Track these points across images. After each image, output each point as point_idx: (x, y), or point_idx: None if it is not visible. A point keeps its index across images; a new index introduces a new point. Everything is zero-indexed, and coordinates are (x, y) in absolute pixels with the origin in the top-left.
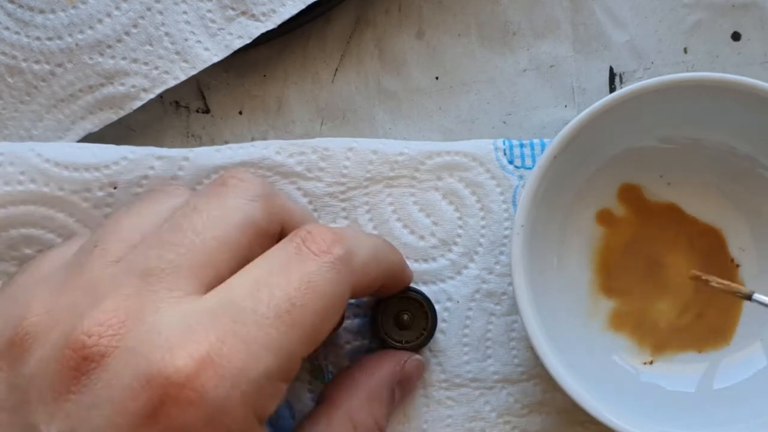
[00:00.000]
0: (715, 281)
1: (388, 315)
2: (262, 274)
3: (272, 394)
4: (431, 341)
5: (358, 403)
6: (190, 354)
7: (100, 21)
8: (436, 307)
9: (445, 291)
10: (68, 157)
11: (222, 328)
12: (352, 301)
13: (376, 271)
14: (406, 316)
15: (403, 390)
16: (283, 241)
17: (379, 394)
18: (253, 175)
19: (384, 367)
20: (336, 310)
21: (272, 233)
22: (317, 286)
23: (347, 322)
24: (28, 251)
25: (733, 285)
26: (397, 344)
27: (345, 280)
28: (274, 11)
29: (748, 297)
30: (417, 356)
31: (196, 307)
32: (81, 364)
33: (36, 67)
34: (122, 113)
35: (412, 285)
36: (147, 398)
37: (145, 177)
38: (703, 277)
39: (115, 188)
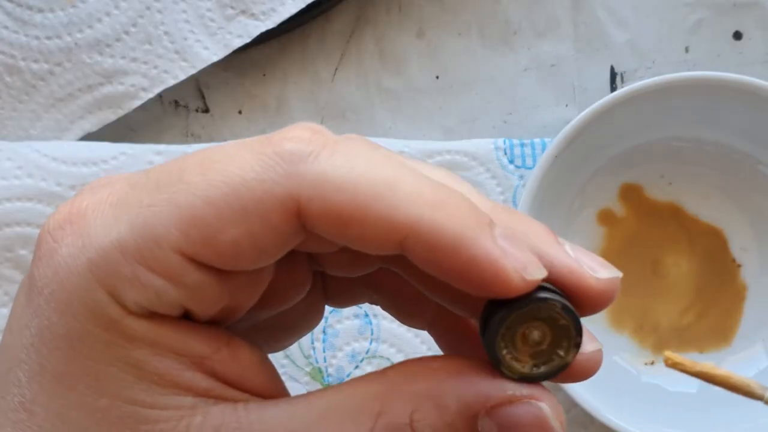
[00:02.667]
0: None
1: (500, 328)
2: (196, 152)
3: (129, 277)
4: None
5: (408, 388)
6: (71, 204)
7: (99, 20)
8: None
9: None
10: (66, 152)
11: (117, 187)
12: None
13: (358, 205)
14: (536, 333)
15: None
16: None
17: (444, 399)
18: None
19: (475, 378)
20: (245, 210)
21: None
22: (222, 170)
23: (347, 323)
24: (23, 252)
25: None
26: (508, 373)
27: (272, 178)
28: (273, 10)
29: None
30: (543, 402)
31: (132, 173)
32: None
33: (35, 66)
34: (121, 112)
35: (550, 286)
36: (33, 254)
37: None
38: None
39: None
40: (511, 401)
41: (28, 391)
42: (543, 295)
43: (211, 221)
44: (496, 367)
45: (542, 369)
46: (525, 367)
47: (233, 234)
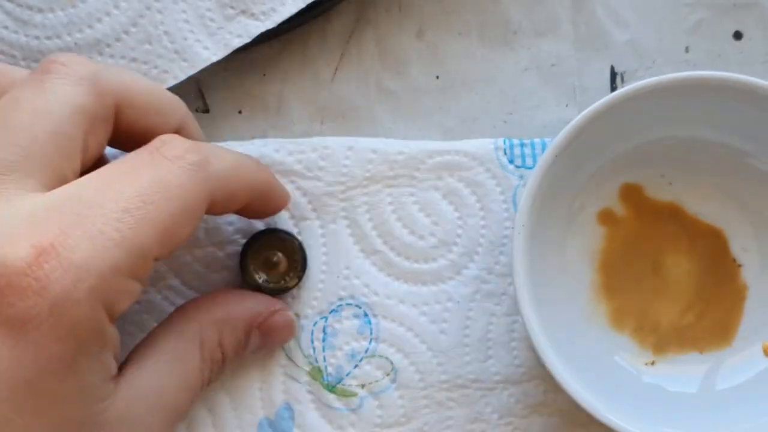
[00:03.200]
0: None
1: (257, 252)
2: (111, 174)
3: (122, 290)
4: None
5: (211, 320)
6: (32, 244)
7: (99, 20)
8: (437, 307)
9: (445, 291)
10: None
11: (67, 220)
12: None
13: (237, 184)
14: (275, 257)
15: (263, 339)
16: (136, 150)
17: (235, 323)
18: (79, 56)
19: (248, 303)
20: (190, 213)
21: (107, 117)
22: (169, 186)
23: (346, 323)
24: None
25: None
26: (258, 280)
27: (199, 184)
28: (273, 10)
29: None
30: (290, 312)
31: (40, 201)
32: None
33: (35, 66)
34: None
35: (289, 230)
36: None
37: None
38: None
39: None
40: (271, 314)
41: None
42: (280, 230)
43: (175, 229)
44: (252, 282)
45: (271, 285)
46: (260, 279)
47: (186, 233)
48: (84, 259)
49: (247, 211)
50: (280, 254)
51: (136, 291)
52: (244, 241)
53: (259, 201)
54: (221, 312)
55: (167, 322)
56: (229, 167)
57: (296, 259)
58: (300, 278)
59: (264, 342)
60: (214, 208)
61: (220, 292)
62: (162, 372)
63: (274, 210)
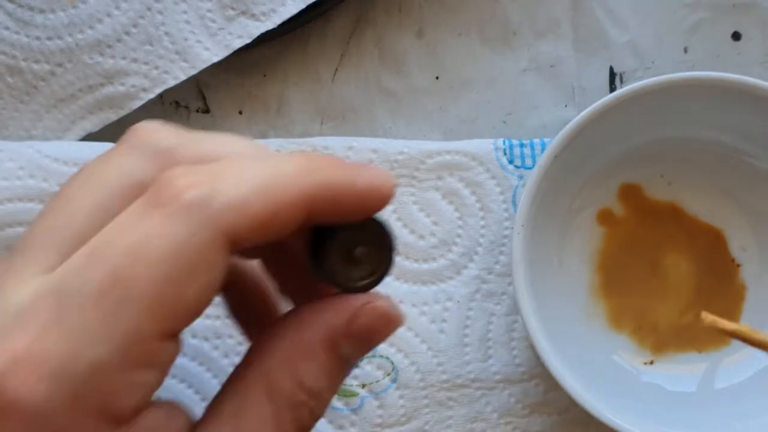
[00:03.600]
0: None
1: (336, 247)
2: (101, 243)
3: (118, 387)
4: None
5: (276, 363)
6: (4, 351)
7: (99, 21)
8: (437, 307)
9: (445, 291)
10: (68, 153)
11: (48, 316)
12: None
13: (270, 203)
14: (359, 250)
15: (359, 345)
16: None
17: (308, 350)
18: (164, 125)
19: (319, 317)
20: (193, 268)
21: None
22: (153, 248)
23: None
24: None
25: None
26: (346, 283)
27: (199, 229)
28: (274, 11)
29: None
30: (381, 301)
31: (38, 287)
32: None
33: (36, 66)
34: (122, 113)
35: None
36: None
37: None
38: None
39: None
40: (355, 317)
41: None
42: (373, 219)
43: (171, 295)
44: (331, 280)
45: (367, 280)
46: (353, 279)
47: (192, 293)
48: (61, 363)
49: (322, 219)
50: (365, 247)
51: (147, 380)
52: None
53: (330, 206)
54: (288, 344)
55: (228, 381)
56: (250, 189)
57: (383, 243)
58: (389, 265)
59: (363, 348)
60: (248, 241)
61: (281, 321)
62: None
63: (371, 205)
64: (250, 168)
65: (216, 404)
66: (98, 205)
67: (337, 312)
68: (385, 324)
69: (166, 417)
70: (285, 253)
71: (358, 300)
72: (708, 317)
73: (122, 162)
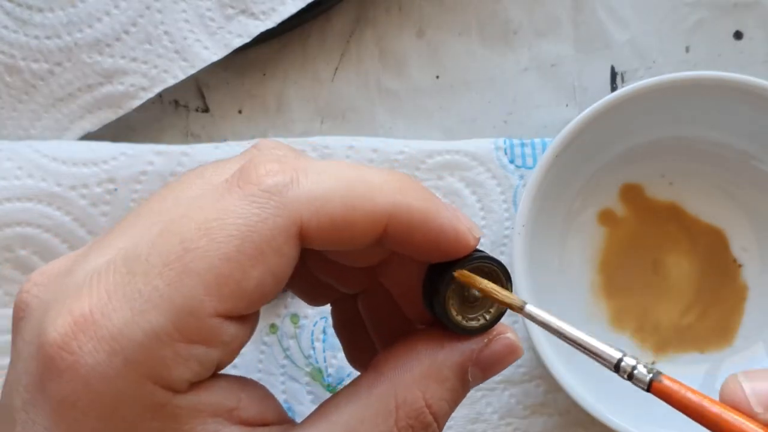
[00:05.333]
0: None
1: (449, 287)
2: (177, 216)
3: (173, 357)
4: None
5: (410, 377)
6: (71, 312)
7: (98, 20)
8: None
9: None
10: (66, 152)
11: (115, 280)
12: None
13: (346, 207)
14: (474, 292)
15: (484, 373)
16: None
17: (441, 372)
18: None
19: (455, 342)
20: (257, 251)
21: None
22: (224, 225)
23: None
24: (23, 252)
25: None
26: (467, 328)
27: (273, 213)
28: (273, 10)
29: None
30: (509, 333)
31: (114, 254)
32: (17, 311)
33: (34, 65)
34: (121, 112)
35: (481, 250)
36: (37, 363)
37: (144, 172)
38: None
39: (115, 189)
40: (487, 345)
41: None
42: (480, 254)
43: (236, 274)
44: (445, 322)
45: (482, 321)
46: (470, 322)
47: (256, 277)
48: (119, 328)
49: (397, 246)
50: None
51: (201, 355)
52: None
53: (407, 233)
54: (424, 362)
55: (354, 382)
56: (332, 187)
57: (500, 284)
58: (503, 311)
59: (485, 375)
60: (317, 240)
61: (420, 337)
62: None
63: (442, 249)
64: (337, 168)
65: (330, 406)
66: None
67: (469, 339)
68: (510, 354)
69: (260, 400)
70: (383, 292)
71: (488, 332)
72: (461, 275)
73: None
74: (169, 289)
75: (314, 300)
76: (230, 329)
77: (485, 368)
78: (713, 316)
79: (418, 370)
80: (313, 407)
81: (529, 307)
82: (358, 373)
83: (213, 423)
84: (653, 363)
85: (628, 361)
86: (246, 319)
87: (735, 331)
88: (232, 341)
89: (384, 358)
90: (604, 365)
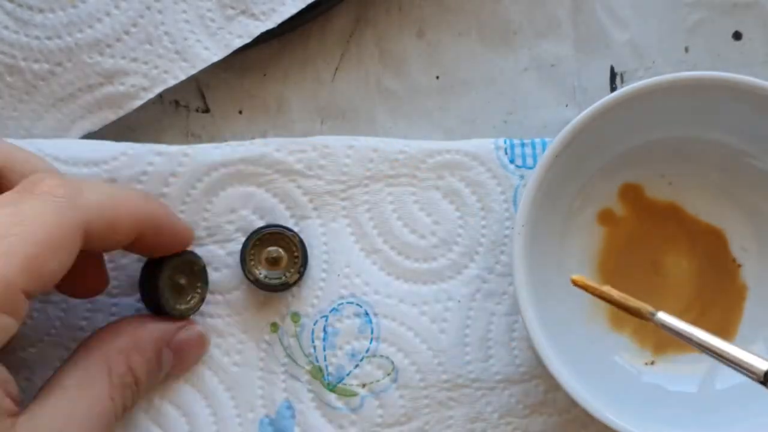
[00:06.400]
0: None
1: (258, 248)
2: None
3: None
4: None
5: (116, 349)
6: None
7: (99, 20)
8: (437, 306)
9: (446, 291)
10: (68, 152)
11: None
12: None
13: (117, 214)
14: (275, 253)
15: (176, 358)
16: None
17: (142, 346)
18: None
19: (154, 324)
20: (57, 243)
21: None
22: (30, 218)
23: (347, 322)
24: None
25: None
26: (259, 275)
27: (67, 213)
28: (273, 10)
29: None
30: (198, 327)
31: None
32: None
33: (35, 66)
34: (122, 112)
35: (193, 250)
36: None
37: (145, 173)
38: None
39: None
40: (177, 330)
41: None
42: (187, 252)
43: (41, 259)
44: (158, 305)
45: (190, 304)
46: (261, 275)
47: (54, 265)
48: None
49: (143, 245)
50: (280, 250)
51: (8, 325)
52: (244, 239)
53: (152, 234)
54: (127, 338)
55: (72, 357)
56: (106, 198)
57: (297, 254)
58: (301, 274)
59: (178, 360)
60: (95, 239)
61: (123, 320)
62: (66, 406)
63: (175, 245)
64: (102, 185)
65: (58, 378)
66: None
67: (166, 326)
68: (199, 344)
69: (9, 380)
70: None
71: (181, 322)
72: (579, 281)
73: None
74: None
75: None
76: (27, 305)
77: (176, 351)
78: (713, 316)
79: (123, 343)
80: (314, 405)
81: (662, 315)
82: (359, 373)
83: (4, 386)
84: (652, 363)
85: None
86: (31, 300)
87: (734, 330)
88: (25, 315)
89: (94, 335)
90: (749, 377)
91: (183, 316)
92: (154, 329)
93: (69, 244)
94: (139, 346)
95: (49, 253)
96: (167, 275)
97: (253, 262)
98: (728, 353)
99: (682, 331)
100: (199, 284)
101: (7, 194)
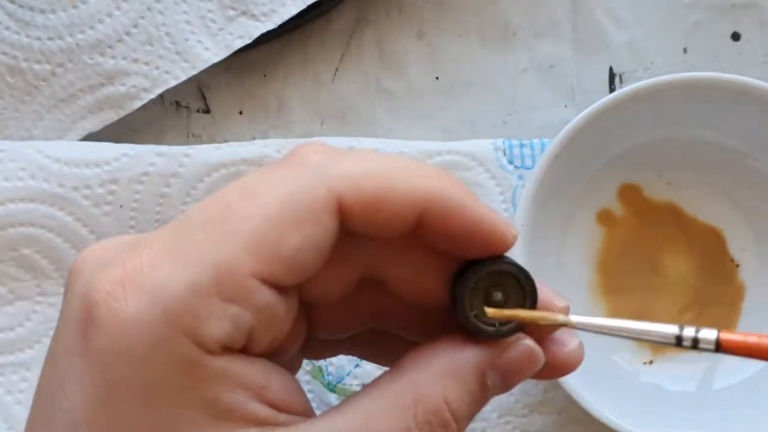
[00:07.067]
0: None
1: (475, 292)
2: (226, 187)
3: (208, 313)
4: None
5: (430, 376)
6: (124, 264)
7: (100, 21)
8: None
9: None
10: (69, 153)
11: (165, 240)
12: None
13: (382, 187)
14: (499, 294)
15: (504, 380)
16: None
17: (462, 373)
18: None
19: (476, 345)
20: (302, 219)
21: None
22: (266, 190)
23: None
24: (26, 251)
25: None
26: (489, 329)
27: (313, 185)
28: (274, 11)
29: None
30: (528, 340)
31: (170, 222)
32: (72, 269)
33: (36, 67)
34: (123, 113)
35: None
36: (82, 309)
37: (146, 174)
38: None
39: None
40: (504, 350)
41: None
42: (507, 261)
43: (274, 236)
44: (475, 332)
45: (507, 326)
46: (489, 326)
47: (295, 242)
48: (162, 280)
49: (434, 236)
50: (500, 291)
51: (234, 315)
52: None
53: (442, 222)
54: (444, 361)
55: (376, 379)
56: (371, 167)
57: (522, 292)
58: (533, 306)
59: (506, 384)
60: (356, 218)
61: (441, 339)
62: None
63: (485, 240)
64: (375, 156)
65: (351, 400)
66: None
67: (490, 344)
68: (530, 362)
69: (290, 389)
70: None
71: (507, 339)
72: (491, 312)
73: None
74: (210, 247)
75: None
76: (265, 294)
77: (504, 374)
78: (711, 315)
79: (438, 368)
80: (314, 405)
81: (575, 319)
82: (359, 373)
83: (240, 394)
84: (651, 362)
85: (688, 332)
86: (283, 292)
87: (733, 330)
88: (265, 308)
89: (406, 357)
90: (665, 343)
91: (494, 339)
92: (478, 352)
93: (312, 219)
94: (460, 374)
95: (287, 230)
96: (480, 286)
97: (473, 310)
98: (642, 329)
99: (600, 327)
100: (520, 299)
101: (264, 167)
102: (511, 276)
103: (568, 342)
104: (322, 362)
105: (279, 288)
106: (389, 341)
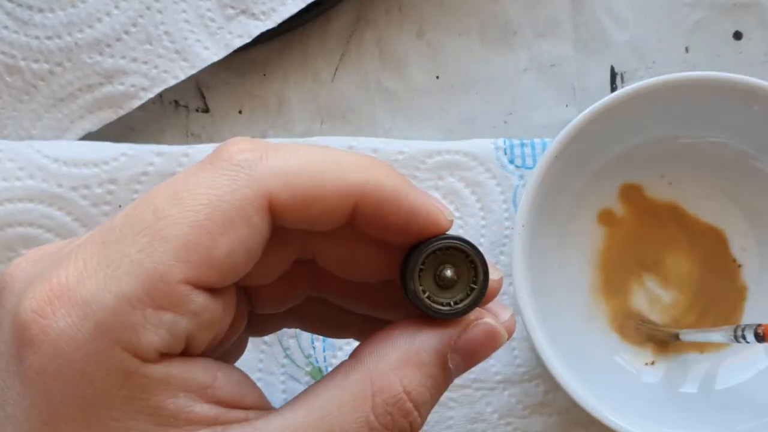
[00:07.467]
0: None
1: (425, 273)
2: (152, 191)
3: (142, 322)
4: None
5: (387, 365)
6: (49, 281)
7: (99, 20)
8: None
9: None
10: (67, 153)
11: (91, 250)
12: None
13: (315, 182)
14: (449, 271)
15: (465, 361)
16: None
17: (419, 358)
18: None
19: (434, 328)
20: (232, 222)
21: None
22: (193, 194)
23: None
24: (25, 251)
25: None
26: (444, 309)
27: (242, 185)
28: (274, 10)
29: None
30: (488, 318)
31: (94, 230)
32: (1, 283)
33: (35, 66)
34: (122, 112)
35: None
36: (13, 330)
37: (145, 173)
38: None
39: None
40: (465, 330)
41: None
42: (450, 236)
43: (204, 241)
44: (430, 314)
45: (463, 303)
46: (440, 305)
47: (225, 245)
48: (92, 293)
49: (370, 226)
50: (449, 268)
51: (169, 322)
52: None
53: (377, 212)
54: (401, 348)
55: (333, 370)
56: (300, 163)
57: (472, 264)
58: (485, 283)
59: (467, 363)
60: (288, 216)
61: (399, 324)
62: (299, 425)
63: (420, 227)
64: (307, 148)
65: (309, 392)
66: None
67: (448, 325)
68: (491, 340)
69: (239, 383)
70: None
71: (467, 318)
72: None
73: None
74: (139, 255)
75: (339, 332)
76: (199, 299)
77: (466, 355)
78: (712, 316)
79: (395, 356)
80: None
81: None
82: None
83: (184, 398)
84: (652, 363)
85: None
86: (218, 293)
87: None
88: (201, 312)
89: (362, 346)
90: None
91: (449, 318)
92: (435, 336)
93: (242, 221)
94: (418, 360)
95: (217, 234)
96: (429, 266)
97: (423, 288)
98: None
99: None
100: (472, 277)
101: (189, 168)
102: (457, 250)
103: (500, 313)
104: (322, 363)
105: (213, 290)
106: (331, 311)
